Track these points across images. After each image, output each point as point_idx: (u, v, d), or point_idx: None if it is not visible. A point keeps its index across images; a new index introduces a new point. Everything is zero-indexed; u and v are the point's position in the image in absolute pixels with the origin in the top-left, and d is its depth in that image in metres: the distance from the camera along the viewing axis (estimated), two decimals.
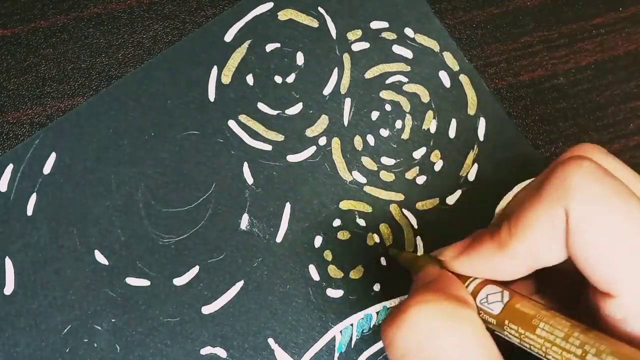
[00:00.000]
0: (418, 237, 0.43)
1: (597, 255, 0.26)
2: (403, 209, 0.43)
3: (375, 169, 0.43)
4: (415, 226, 0.43)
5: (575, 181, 0.26)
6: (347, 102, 0.44)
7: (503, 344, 0.28)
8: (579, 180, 0.26)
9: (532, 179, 0.30)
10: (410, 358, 0.27)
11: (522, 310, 0.29)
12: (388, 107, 0.44)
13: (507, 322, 0.29)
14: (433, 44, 0.45)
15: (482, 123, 0.45)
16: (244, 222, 0.42)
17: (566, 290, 0.32)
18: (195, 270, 0.41)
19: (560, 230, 0.27)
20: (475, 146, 0.44)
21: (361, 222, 0.43)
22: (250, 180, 0.42)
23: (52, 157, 0.41)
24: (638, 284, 0.26)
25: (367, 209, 0.43)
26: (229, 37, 0.44)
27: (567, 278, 0.31)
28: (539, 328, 0.27)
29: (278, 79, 0.44)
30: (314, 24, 0.45)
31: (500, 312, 0.29)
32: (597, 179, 0.26)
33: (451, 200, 0.44)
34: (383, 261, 0.42)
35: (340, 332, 0.41)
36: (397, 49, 0.45)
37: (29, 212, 0.40)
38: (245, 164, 0.42)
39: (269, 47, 0.44)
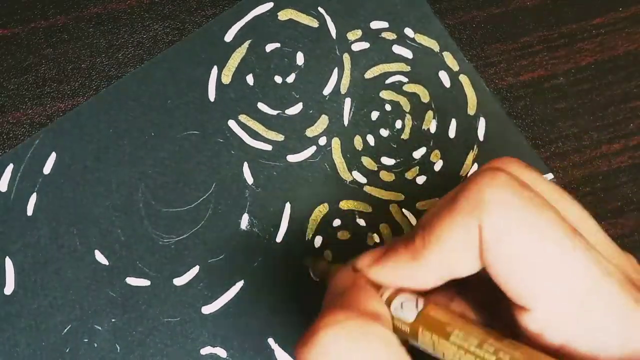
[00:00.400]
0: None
1: (510, 269, 0.26)
2: (403, 209, 0.43)
3: (375, 169, 0.43)
4: None
5: (489, 193, 0.26)
6: (347, 102, 0.44)
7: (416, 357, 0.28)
8: (492, 191, 0.26)
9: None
10: None
11: (436, 318, 0.28)
12: (388, 107, 0.44)
13: (421, 329, 0.28)
14: (433, 44, 0.45)
15: (482, 123, 0.45)
16: (244, 222, 0.42)
17: (486, 295, 0.31)
18: (195, 270, 0.41)
19: (473, 242, 0.26)
20: (475, 146, 0.44)
21: (361, 222, 0.43)
22: (250, 180, 0.42)
23: (52, 157, 0.41)
24: (551, 298, 0.26)
25: (367, 209, 0.43)
26: (229, 37, 0.44)
27: (486, 284, 0.30)
28: (452, 335, 0.27)
29: (278, 79, 0.44)
30: (314, 24, 0.45)
31: (415, 320, 0.29)
32: (511, 191, 0.26)
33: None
34: None
35: None
36: (397, 49, 0.45)
37: (29, 212, 0.40)
38: (245, 164, 0.42)
39: (269, 47, 0.44)
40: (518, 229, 0.26)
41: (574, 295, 0.26)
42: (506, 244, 0.26)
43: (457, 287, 0.32)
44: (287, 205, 0.42)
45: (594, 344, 0.26)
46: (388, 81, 0.45)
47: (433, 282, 0.29)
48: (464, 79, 0.45)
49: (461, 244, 0.27)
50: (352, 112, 0.44)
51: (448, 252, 0.27)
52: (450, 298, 0.32)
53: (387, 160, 0.44)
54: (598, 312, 0.25)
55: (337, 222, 0.42)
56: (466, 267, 0.27)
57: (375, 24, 0.45)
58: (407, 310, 0.29)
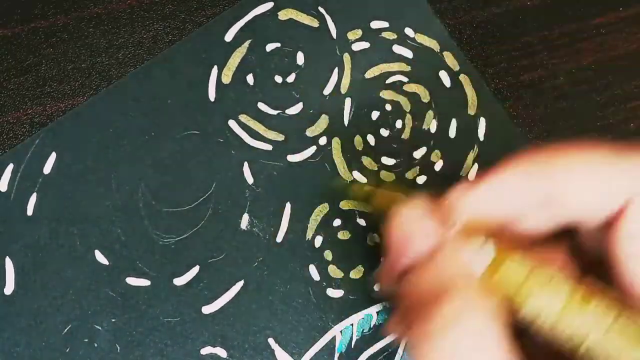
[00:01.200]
0: None
1: None
2: None
3: (376, 168, 0.43)
4: None
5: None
6: (348, 101, 0.44)
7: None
8: None
9: None
10: None
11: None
12: (388, 107, 0.44)
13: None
14: (433, 44, 0.45)
15: (482, 123, 0.45)
16: (244, 222, 0.42)
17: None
18: (195, 270, 0.41)
19: (619, 186, 0.25)
20: (476, 146, 0.44)
21: (361, 222, 0.43)
22: (250, 180, 0.42)
23: (52, 157, 0.41)
24: None
25: (368, 208, 0.43)
26: (229, 36, 0.44)
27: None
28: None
29: (278, 79, 0.44)
30: (314, 23, 0.45)
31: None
32: None
33: None
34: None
35: (341, 332, 0.41)
36: (397, 49, 0.45)
37: (29, 212, 0.40)
38: (246, 164, 0.42)
39: (269, 47, 0.44)
40: None
41: None
42: None
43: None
44: (287, 205, 0.42)
45: None
46: (388, 81, 0.45)
47: (543, 220, 0.26)
48: (464, 78, 0.45)
49: (615, 181, 0.25)
50: (352, 112, 0.44)
51: (597, 179, 0.25)
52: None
53: (388, 160, 0.43)
54: None
55: (337, 222, 0.42)
56: (598, 209, 0.25)
57: (376, 24, 0.45)
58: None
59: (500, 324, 0.25)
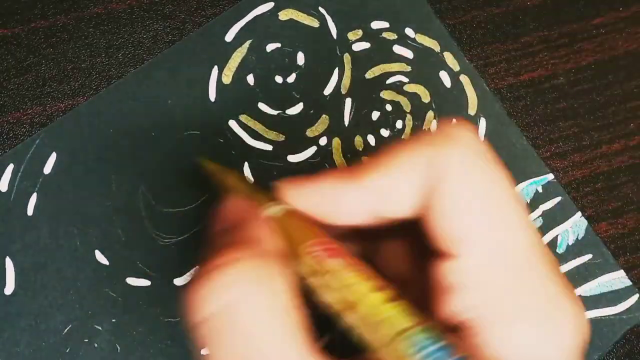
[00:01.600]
0: None
1: (455, 206, 0.25)
2: None
3: None
4: None
5: (461, 133, 0.26)
6: (348, 102, 0.44)
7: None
8: (464, 134, 0.26)
9: None
10: (214, 321, 0.24)
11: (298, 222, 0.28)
12: (389, 107, 0.44)
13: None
14: (433, 44, 0.45)
15: (482, 123, 0.45)
16: None
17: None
18: (195, 270, 0.41)
19: (426, 173, 0.26)
20: None
21: None
22: (251, 180, 0.42)
23: (53, 157, 0.41)
24: (480, 250, 0.25)
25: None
26: (229, 36, 0.44)
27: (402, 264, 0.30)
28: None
29: (279, 79, 0.44)
30: (315, 24, 0.45)
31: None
32: (479, 141, 0.26)
33: None
34: None
35: None
36: (397, 49, 0.45)
37: (29, 212, 0.40)
38: (246, 164, 0.42)
39: (270, 47, 0.44)
40: (476, 171, 0.25)
41: (504, 255, 0.25)
42: (462, 180, 0.25)
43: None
44: None
45: (502, 323, 0.25)
46: (389, 81, 0.45)
47: (361, 212, 0.27)
48: (464, 79, 0.45)
49: (414, 171, 0.26)
50: (352, 112, 0.44)
51: (396, 177, 0.26)
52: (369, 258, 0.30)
53: None
54: (521, 285, 0.25)
55: None
56: (405, 202, 0.26)
57: (376, 24, 0.45)
58: None
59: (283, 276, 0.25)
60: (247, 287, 0.24)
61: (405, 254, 0.31)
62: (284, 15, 0.45)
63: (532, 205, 0.44)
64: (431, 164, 0.26)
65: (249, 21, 0.44)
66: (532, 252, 0.25)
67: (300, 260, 0.27)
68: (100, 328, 0.40)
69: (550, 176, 0.45)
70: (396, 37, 0.45)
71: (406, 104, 0.44)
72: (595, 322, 0.44)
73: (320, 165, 0.43)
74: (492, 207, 0.25)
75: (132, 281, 0.40)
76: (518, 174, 0.44)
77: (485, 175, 0.26)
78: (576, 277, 0.44)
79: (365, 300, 0.25)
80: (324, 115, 0.44)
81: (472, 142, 0.26)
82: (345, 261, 0.26)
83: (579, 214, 0.45)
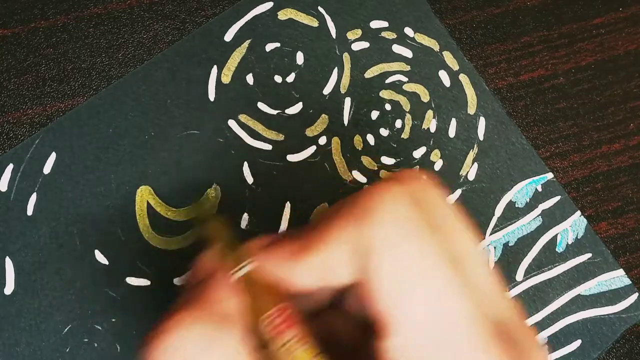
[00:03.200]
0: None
1: (383, 285, 0.25)
2: None
3: (376, 168, 0.43)
4: None
5: (384, 204, 0.26)
6: (347, 101, 0.44)
7: None
8: (388, 204, 0.26)
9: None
10: None
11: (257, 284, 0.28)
12: (388, 107, 0.44)
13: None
14: (433, 44, 0.45)
15: (482, 122, 0.45)
16: (244, 221, 0.42)
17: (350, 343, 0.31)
18: None
19: (357, 250, 0.26)
20: (475, 145, 0.44)
21: None
22: (250, 179, 0.42)
23: (52, 156, 0.41)
24: (414, 327, 0.25)
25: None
26: (228, 36, 0.44)
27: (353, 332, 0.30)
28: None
29: (278, 79, 0.44)
30: (314, 23, 0.45)
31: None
32: (407, 208, 0.26)
33: (451, 199, 0.44)
34: None
35: None
36: (396, 49, 0.45)
37: (29, 211, 0.40)
38: (245, 164, 0.42)
39: (269, 47, 0.44)
40: (401, 247, 0.25)
41: (438, 330, 0.25)
42: (386, 259, 0.25)
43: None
44: (287, 205, 0.42)
45: None
46: (388, 80, 0.45)
47: (309, 283, 0.28)
48: (463, 78, 0.45)
49: (345, 249, 0.26)
50: (352, 112, 0.44)
51: (330, 253, 0.27)
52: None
53: (387, 160, 0.44)
54: (456, 356, 0.25)
55: None
56: (342, 277, 0.27)
57: (375, 24, 0.45)
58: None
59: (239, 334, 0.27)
60: (197, 350, 0.26)
61: (352, 323, 0.31)
62: (283, 14, 0.45)
63: (532, 204, 0.44)
64: (358, 239, 0.26)
65: (248, 21, 0.44)
66: (468, 322, 0.25)
67: (259, 329, 0.28)
68: (100, 328, 0.40)
69: (549, 175, 0.45)
70: (395, 36, 0.45)
71: (405, 103, 0.44)
72: (594, 321, 0.44)
73: (319, 165, 0.43)
74: (421, 280, 0.25)
75: (132, 281, 0.40)
76: (517, 173, 0.44)
77: (412, 246, 0.25)
78: (575, 276, 0.44)
79: None
80: (323, 115, 0.44)
81: (397, 210, 0.26)
82: (299, 334, 0.27)
83: (579, 213, 0.45)
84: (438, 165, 0.44)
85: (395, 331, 0.25)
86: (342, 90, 0.44)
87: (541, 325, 0.43)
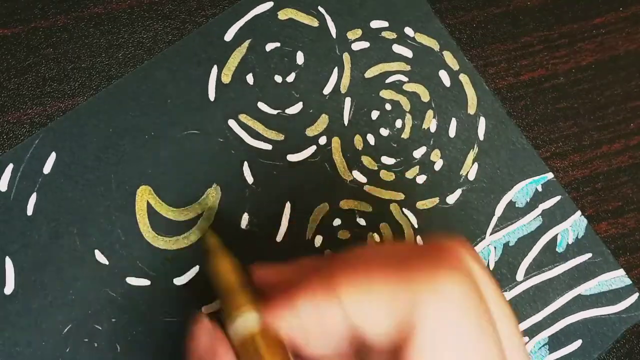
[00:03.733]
0: (418, 237, 0.43)
1: (422, 355, 0.25)
2: (403, 209, 0.43)
3: (376, 168, 0.43)
4: (416, 225, 0.43)
5: (446, 280, 0.25)
6: (347, 101, 0.44)
7: None
8: (451, 281, 0.25)
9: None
10: None
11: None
12: (388, 107, 0.44)
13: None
14: (433, 43, 0.45)
15: (482, 122, 0.45)
16: (244, 221, 0.42)
17: None
18: (195, 270, 0.41)
19: (400, 308, 0.25)
20: (476, 145, 0.44)
21: (361, 221, 0.43)
22: (250, 179, 0.42)
23: (52, 156, 0.41)
24: None
25: (368, 208, 0.43)
26: (229, 36, 0.44)
27: None
28: None
29: (278, 79, 0.44)
30: (314, 23, 0.45)
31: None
32: (467, 291, 0.25)
33: (451, 199, 0.44)
34: None
35: None
36: (397, 48, 0.45)
37: (29, 211, 0.40)
38: (246, 164, 0.42)
39: (269, 47, 0.44)
40: (455, 336, 0.25)
41: None
42: (433, 331, 0.25)
43: None
44: (287, 205, 0.42)
45: None
46: (388, 80, 0.45)
47: (336, 332, 0.27)
48: (464, 78, 0.45)
49: (391, 299, 0.25)
50: (352, 112, 0.44)
51: (373, 295, 0.26)
52: None
53: (387, 160, 0.44)
54: None
55: (337, 222, 0.42)
56: (380, 325, 0.26)
57: (375, 24, 0.45)
58: None
59: None
60: None
61: None
62: (283, 14, 0.45)
63: (532, 204, 0.44)
64: (412, 302, 0.25)
65: (248, 21, 0.44)
66: None
67: None
68: (100, 328, 0.40)
69: (549, 175, 0.45)
70: (395, 36, 0.45)
71: (406, 103, 0.44)
72: (595, 321, 0.44)
73: (319, 165, 0.43)
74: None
75: (132, 281, 0.40)
76: (517, 173, 0.44)
77: (462, 330, 0.25)
78: (576, 276, 0.44)
79: None
80: (323, 115, 0.44)
81: (458, 294, 0.25)
82: None
83: (579, 213, 0.45)
84: (438, 165, 0.44)
85: None
86: (342, 90, 0.44)
87: (542, 325, 0.43)
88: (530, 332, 0.43)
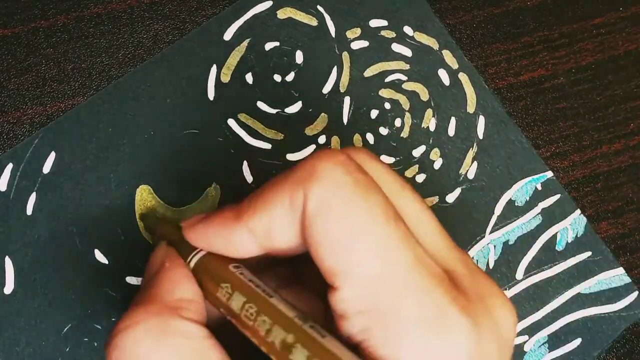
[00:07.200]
0: None
1: (326, 243, 0.26)
2: None
3: None
4: None
5: (321, 167, 0.26)
6: (347, 100, 0.44)
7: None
8: (324, 166, 0.26)
9: None
10: None
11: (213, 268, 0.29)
12: (387, 106, 0.44)
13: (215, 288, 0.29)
14: (432, 42, 0.45)
15: (481, 121, 0.45)
16: None
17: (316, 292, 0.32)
18: None
19: (297, 211, 0.27)
20: (475, 144, 0.44)
21: None
22: (250, 179, 0.42)
23: (52, 156, 0.41)
24: (359, 278, 0.25)
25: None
26: (228, 35, 0.44)
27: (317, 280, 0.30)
28: (223, 288, 0.28)
29: (277, 78, 0.44)
30: (313, 22, 0.45)
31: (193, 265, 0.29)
32: (343, 170, 0.26)
33: (451, 198, 0.44)
34: None
35: None
36: (396, 47, 0.45)
37: (29, 211, 0.40)
38: (245, 163, 0.42)
39: (268, 46, 0.44)
40: (340, 204, 0.26)
41: (382, 280, 0.25)
42: (327, 217, 0.26)
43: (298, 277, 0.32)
44: None
45: (391, 341, 0.25)
46: (387, 79, 0.45)
47: (253, 249, 0.29)
48: (463, 77, 0.45)
49: (285, 209, 0.27)
50: (351, 111, 0.44)
51: (271, 216, 0.27)
52: (287, 284, 0.32)
53: (387, 159, 0.44)
54: (402, 303, 0.25)
55: None
56: (286, 237, 0.27)
57: (375, 23, 0.45)
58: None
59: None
60: (148, 346, 0.26)
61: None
62: (283, 13, 0.45)
63: (531, 203, 0.44)
64: (294, 202, 0.27)
65: (248, 20, 0.44)
66: (410, 269, 0.25)
67: (217, 303, 0.28)
68: (99, 327, 0.40)
69: (549, 174, 0.45)
70: (395, 35, 0.45)
71: (405, 102, 0.44)
72: (594, 320, 0.44)
73: None
74: (363, 234, 0.26)
75: (132, 281, 0.40)
76: (517, 172, 0.44)
77: (353, 203, 0.26)
78: (575, 275, 0.44)
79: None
80: (322, 114, 0.44)
81: (332, 175, 0.26)
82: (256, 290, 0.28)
83: (578, 211, 0.45)
84: (437, 164, 0.44)
85: (341, 284, 0.26)
86: (342, 89, 0.44)
87: (541, 324, 0.43)
88: (530, 331, 0.43)
